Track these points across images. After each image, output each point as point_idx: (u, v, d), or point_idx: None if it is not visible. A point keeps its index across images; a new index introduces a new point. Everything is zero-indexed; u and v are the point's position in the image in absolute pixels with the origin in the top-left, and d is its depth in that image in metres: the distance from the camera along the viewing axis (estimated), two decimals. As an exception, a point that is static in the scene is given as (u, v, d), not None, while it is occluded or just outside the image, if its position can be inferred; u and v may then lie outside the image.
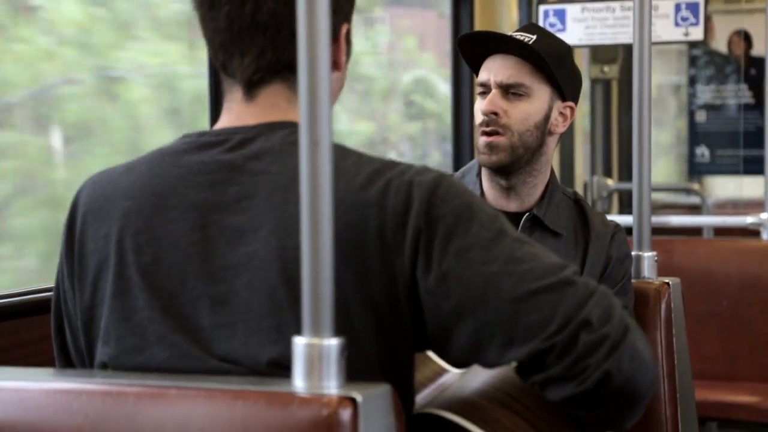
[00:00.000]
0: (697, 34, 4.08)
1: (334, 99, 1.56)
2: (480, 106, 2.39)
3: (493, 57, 2.41)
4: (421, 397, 1.54)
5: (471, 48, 2.44)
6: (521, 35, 2.38)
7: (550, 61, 2.35)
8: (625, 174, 6.07)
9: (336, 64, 1.51)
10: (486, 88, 2.40)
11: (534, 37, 2.36)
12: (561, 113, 2.42)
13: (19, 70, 3.13)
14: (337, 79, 1.54)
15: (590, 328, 1.37)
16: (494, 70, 2.39)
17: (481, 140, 2.38)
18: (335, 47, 1.50)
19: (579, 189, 5.51)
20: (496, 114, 2.36)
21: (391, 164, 1.43)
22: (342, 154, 1.43)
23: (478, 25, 4.43)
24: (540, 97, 2.38)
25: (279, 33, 1.45)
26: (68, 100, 3.32)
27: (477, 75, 2.45)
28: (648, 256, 2.41)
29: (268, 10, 1.44)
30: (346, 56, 1.53)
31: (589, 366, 1.37)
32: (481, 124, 2.38)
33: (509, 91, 2.37)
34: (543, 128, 2.39)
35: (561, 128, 2.43)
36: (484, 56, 2.42)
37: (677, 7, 4.08)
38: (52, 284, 1.62)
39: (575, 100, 2.45)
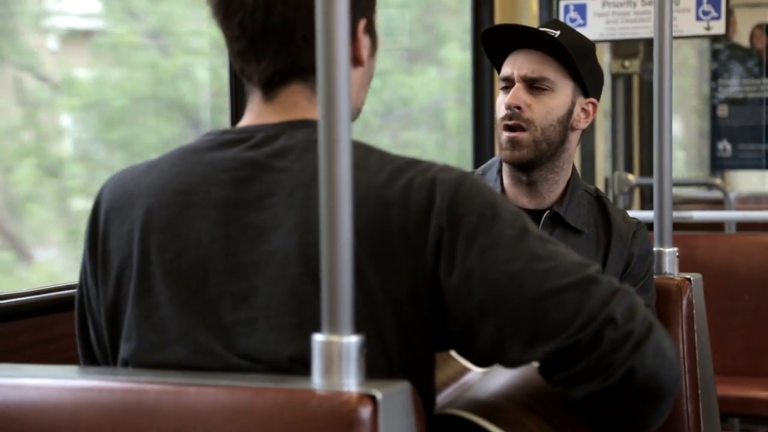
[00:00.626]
0: (719, 28, 4.06)
1: (362, 93, 1.56)
2: (502, 100, 2.39)
3: (517, 51, 2.40)
4: (443, 396, 1.53)
5: (494, 42, 2.44)
6: (544, 30, 2.37)
7: (575, 55, 2.34)
8: (647, 169, 6.05)
9: (357, 60, 1.52)
10: (509, 83, 2.39)
11: (558, 32, 2.36)
12: (583, 109, 2.42)
13: (420, 92, 5.63)
14: (362, 74, 1.54)
15: (615, 325, 1.37)
16: (518, 64, 2.38)
17: (504, 135, 2.38)
18: (353, 44, 1.50)
19: (600, 184, 5.48)
20: (519, 108, 2.36)
21: (414, 162, 1.44)
22: (365, 152, 1.43)
23: (498, 20, 4.42)
24: (563, 92, 2.38)
25: (292, 37, 1.46)
26: (448, 111, 5.66)
27: (498, 70, 2.45)
28: (669, 251, 2.40)
29: (279, 15, 1.45)
30: (371, 48, 1.54)
31: (614, 362, 1.37)
32: (503, 118, 2.38)
33: (533, 85, 2.37)
34: (565, 123, 2.39)
35: (583, 124, 2.43)
36: (507, 51, 2.42)
37: (699, 1, 4.06)
38: (74, 281, 1.62)
39: (597, 96, 2.45)
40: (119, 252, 1.49)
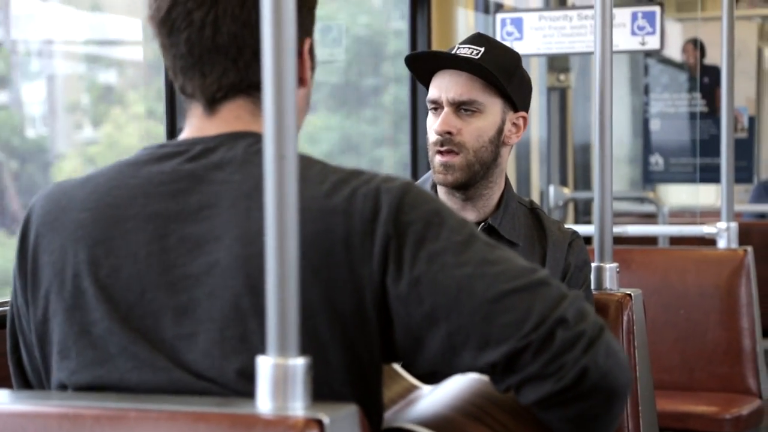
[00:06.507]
0: (653, 43, 4.09)
1: (302, 115, 1.55)
2: (432, 122, 2.37)
3: (442, 73, 2.38)
4: (391, 413, 1.51)
5: (419, 63, 2.42)
6: (468, 48, 2.35)
7: (500, 74, 2.32)
8: (581, 183, 6.08)
9: (301, 80, 1.50)
10: (437, 105, 2.37)
11: (482, 49, 2.34)
12: (514, 124, 2.40)
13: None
14: (303, 96, 1.53)
15: (566, 325, 1.37)
16: (444, 87, 2.36)
17: (436, 159, 2.36)
18: (299, 63, 1.49)
19: (535, 197, 5.50)
20: (450, 133, 2.34)
21: (357, 173, 1.43)
22: (306, 164, 1.42)
23: (435, 34, 4.41)
24: (492, 111, 2.36)
25: (241, 54, 1.45)
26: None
27: (427, 88, 2.42)
28: (610, 267, 2.41)
29: (228, 32, 1.43)
30: (310, 71, 1.53)
31: (566, 363, 1.36)
32: (435, 143, 2.36)
33: (461, 107, 2.35)
34: (497, 142, 2.37)
35: (514, 139, 2.42)
36: (434, 71, 2.40)
37: (634, 16, 4.09)
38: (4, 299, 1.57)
39: (527, 108, 2.44)
40: (50, 267, 1.46)
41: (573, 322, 1.37)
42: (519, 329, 1.35)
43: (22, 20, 3.64)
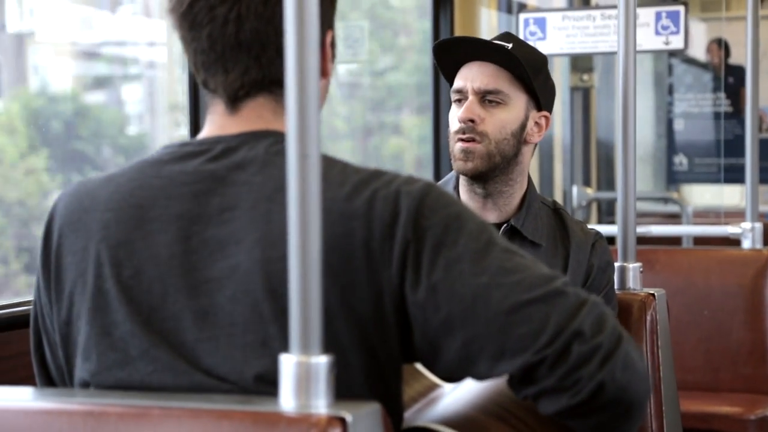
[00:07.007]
0: (677, 42, 4.07)
1: (321, 105, 1.55)
2: (455, 113, 2.37)
3: (470, 64, 2.38)
4: (412, 411, 1.51)
5: (447, 55, 2.42)
6: (498, 43, 2.36)
7: (528, 68, 2.33)
8: (604, 183, 6.06)
9: (322, 72, 1.50)
10: (462, 95, 2.37)
11: (510, 45, 2.35)
12: (536, 123, 2.40)
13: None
14: (323, 87, 1.53)
15: (582, 338, 1.35)
16: (471, 76, 2.36)
17: (456, 146, 2.36)
18: (321, 55, 1.49)
19: (558, 198, 5.48)
20: (473, 121, 2.34)
21: (378, 174, 1.42)
22: (327, 163, 1.41)
23: (458, 34, 4.41)
24: (517, 105, 2.36)
25: (264, 51, 1.44)
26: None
27: (451, 83, 2.42)
28: (633, 267, 2.40)
29: (251, 29, 1.43)
30: (331, 62, 1.53)
31: (582, 377, 1.35)
32: (457, 132, 2.36)
33: (486, 98, 2.35)
34: (519, 137, 2.37)
35: (536, 138, 2.41)
36: (460, 64, 2.40)
37: (658, 16, 4.08)
38: (29, 298, 1.58)
39: (550, 110, 2.44)
40: (73, 268, 1.46)
41: (590, 334, 1.36)
42: (534, 342, 1.34)
43: (123, 26, 3.82)
